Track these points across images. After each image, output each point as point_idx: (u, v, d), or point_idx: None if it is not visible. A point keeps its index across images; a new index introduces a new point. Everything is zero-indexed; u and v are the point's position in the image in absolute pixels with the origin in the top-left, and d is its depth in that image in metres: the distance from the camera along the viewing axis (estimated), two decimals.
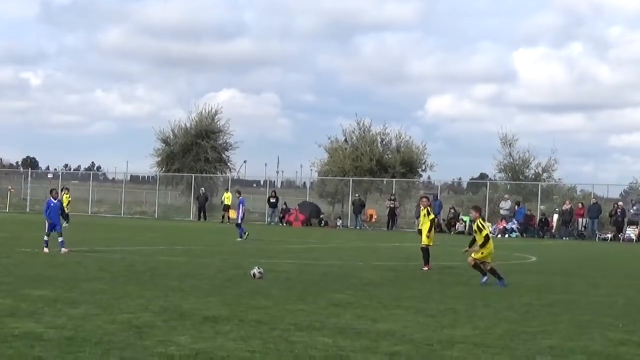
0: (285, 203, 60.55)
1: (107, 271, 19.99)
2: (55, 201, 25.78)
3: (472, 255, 19.87)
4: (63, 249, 24.97)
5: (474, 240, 20.17)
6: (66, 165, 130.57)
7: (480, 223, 20.05)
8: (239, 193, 39.30)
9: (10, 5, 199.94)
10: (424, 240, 23.49)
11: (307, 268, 21.30)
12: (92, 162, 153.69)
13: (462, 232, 51.84)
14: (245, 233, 35.47)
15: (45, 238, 25.45)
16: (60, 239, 25.31)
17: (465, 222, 52.70)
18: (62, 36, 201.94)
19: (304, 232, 44.69)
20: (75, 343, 10.42)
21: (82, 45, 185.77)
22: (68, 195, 46.31)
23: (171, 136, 68.18)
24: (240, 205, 36.80)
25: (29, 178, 72.15)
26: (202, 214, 60.94)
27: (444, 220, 53.87)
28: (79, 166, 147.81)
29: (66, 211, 44.26)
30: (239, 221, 36.38)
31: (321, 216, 58.78)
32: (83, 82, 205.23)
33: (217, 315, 13.14)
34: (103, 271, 19.97)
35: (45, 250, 24.94)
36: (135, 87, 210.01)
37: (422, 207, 24.76)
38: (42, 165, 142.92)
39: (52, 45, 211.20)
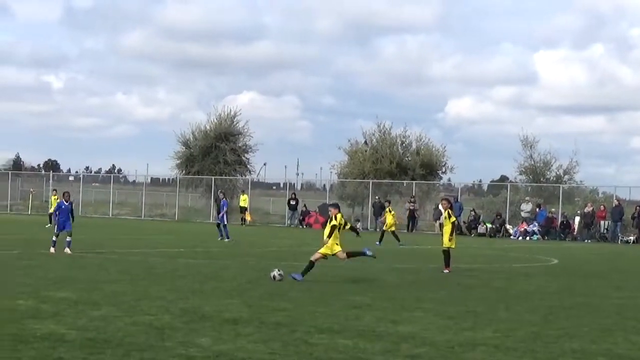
0: (305, 205, 60.54)
1: (127, 273, 20.05)
2: (67, 204, 26.10)
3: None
4: (67, 250, 25.15)
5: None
6: (87, 168, 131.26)
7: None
8: (223, 194, 40.24)
9: (33, 9, 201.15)
10: (445, 242, 23.42)
11: (327, 270, 21.27)
12: (113, 165, 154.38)
13: (483, 235, 51.68)
14: (223, 236, 36.59)
15: (54, 238, 25.71)
16: (68, 239, 25.53)
17: (486, 224, 52.55)
18: (83, 39, 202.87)
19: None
20: (97, 344, 10.44)
21: (103, 48, 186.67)
22: (57, 198, 46.57)
23: (191, 139, 68.26)
24: (223, 207, 37.71)
25: (51, 181, 72.41)
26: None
27: (464, 222, 53.71)
28: (100, 169, 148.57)
29: (51, 212, 44.74)
30: (224, 222, 37.26)
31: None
32: (104, 85, 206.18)
33: (238, 317, 13.15)
34: (124, 273, 20.03)
35: (52, 250, 25.16)
36: (155, 89, 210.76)
37: (442, 209, 24.70)
38: (64, 167, 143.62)
39: (73, 49, 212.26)
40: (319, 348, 10.84)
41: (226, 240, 35.95)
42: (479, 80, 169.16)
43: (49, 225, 42.57)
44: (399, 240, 37.21)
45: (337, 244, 19.88)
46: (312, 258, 19.94)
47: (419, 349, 11.00)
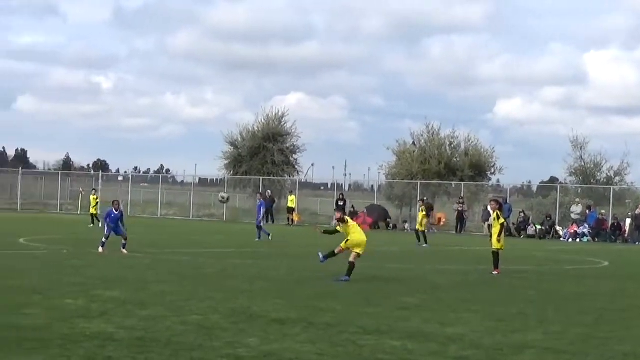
0: (352, 206, 60.40)
1: (176, 273, 20.14)
2: (117, 212, 26.13)
3: None
4: (123, 250, 25.38)
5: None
6: (136, 168, 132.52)
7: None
8: (260, 195, 40.26)
9: (83, 10, 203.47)
10: (494, 244, 23.24)
11: (374, 271, 21.22)
12: (162, 165, 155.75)
13: (532, 236, 51.23)
14: (268, 234, 36.64)
15: (103, 240, 25.86)
16: (123, 242, 25.68)
17: (536, 226, 52.09)
18: (132, 40, 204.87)
19: (371, 235, 44.49)
20: (145, 344, 10.49)
21: (152, 49, 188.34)
22: (96, 197, 46.96)
23: (239, 139, 68.48)
24: (261, 207, 37.65)
25: (100, 181, 73.08)
26: (269, 216, 61.13)
27: (513, 224, 53.27)
28: (149, 169, 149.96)
29: (92, 212, 45.12)
30: (260, 223, 37.27)
31: (388, 219, 58.56)
32: (153, 86, 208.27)
33: (286, 318, 13.14)
34: (172, 273, 20.12)
35: (100, 250, 25.37)
36: (204, 90, 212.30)
37: (491, 211, 24.51)
38: (113, 168, 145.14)
39: (123, 49, 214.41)
40: (366, 349, 10.80)
41: (266, 237, 35.98)
42: (528, 81, 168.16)
43: (92, 225, 42.96)
44: (419, 240, 36.84)
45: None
46: (351, 259, 20.09)
47: (467, 351, 10.91)
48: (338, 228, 20.47)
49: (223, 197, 27.70)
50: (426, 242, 36.24)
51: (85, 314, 12.87)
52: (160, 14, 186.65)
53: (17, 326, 11.42)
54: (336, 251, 20.08)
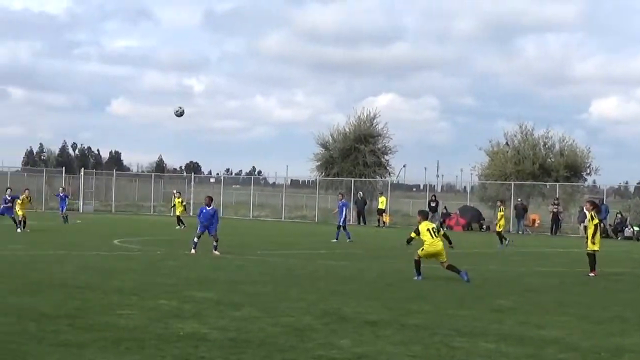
0: (445, 207, 60.00)
1: (267, 274, 20.23)
2: (209, 208, 26.33)
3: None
4: (216, 252, 25.51)
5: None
6: (228, 170, 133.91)
7: None
8: (342, 196, 39.92)
9: (175, 14, 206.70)
10: (590, 245, 22.80)
11: (468, 273, 20.93)
12: (253, 167, 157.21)
13: (630, 238, 50.16)
14: (348, 237, 36.30)
15: (195, 240, 26.07)
16: (214, 243, 25.86)
17: (633, 227, 50.98)
18: (223, 42, 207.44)
19: (464, 236, 44.09)
20: (238, 344, 10.53)
21: (242, 51, 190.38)
22: (181, 200, 47.47)
23: (330, 140, 68.60)
24: (344, 208, 37.27)
25: (192, 182, 74.00)
26: (361, 218, 61.07)
27: (610, 225, 52.25)
28: (240, 171, 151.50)
29: (177, 214, 45.65)
30: (342, 223, 36.96)
31: (481, 221, 57.97)
32: (243, 88, 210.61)
33: (378, 320, 13.07)
34: (264, 274, 20.22)
35: (192, 251, 25.58)
36: (294, 92, 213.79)
37: (587, 212, 24.06)
38: (205, 169, 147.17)
39: (214, 52, 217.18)
40: (460, 351, 10.66)
41: (344, 240, 35.65)
42: (623, 80, 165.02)
43: (178, 227, 43.51)
44: (501, 242, 36.35)
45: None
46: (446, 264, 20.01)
47: (564, 354, 10.69)
48: (413, 235, 20.45)
49: (177, 110, 27.90)
50: (501, 243, 35.90)
51: (179, 314, 12.99)
52: (251, 16, 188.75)
53: (114, 326, 11.59)
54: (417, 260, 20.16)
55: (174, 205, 47.37)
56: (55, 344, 10.13)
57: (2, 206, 37.64)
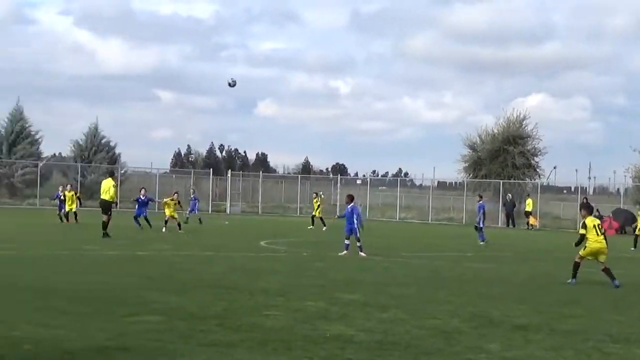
0: (597, 210, 58.41)
1: (413, 277, 20.08)
2: (348, 207, 26.43)
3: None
4: (361, 253, 25.46)
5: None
6: (374, 172, 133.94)
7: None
8: (480, 197, 38.88)
9: (322, 16, 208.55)
10: None
11: (622, 278, 20.21)
12: (399, 169, 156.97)
13: None
14: (484, 240, 35.17)
15: (346, 242, 26.11)
16: (358, 244, 25.84)
17: None
18: (370, 44, 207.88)
19: (618, 240, 42.81)
20: (384, 347, 10.43)
21: (389, 52, 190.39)
22: (317, 201, 47.42)
23: (478, 142, 67.90)
24: (481, 209, 36.27)
25: (338, 184, 74.43)
26: (510, 220, 60.16)
27: None
28: (387, 172, 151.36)
29: (317, 214, 45.78)
30: (480, 224, 35.85)
31: (634, 224, 56.16)
32: (390, 89, 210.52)
33: (528, 324, 12.75)
34: (409, 276, 20.07)
35: (344, 252, 25.62)
36: (442, 93, 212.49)
37: None
38: (351, 171, 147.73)
39: (360, 53, 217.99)
40: (613, 358, 10.28)
41: (480, 243, 34.82)
42: None
43: (311, 227, 43.99)
44: (634, 246, 35.26)
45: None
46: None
47: None
48: (582, 231, 19.66)
49: (231, 82, 27.93)
50: (634, 247, 34.95)
51: (326, 315, 12.98)
52: (397, 17, 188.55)
53: (261, 327, 11.66)
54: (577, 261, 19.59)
55: (319, 205, 47.56)
56: (205, 343, 10.24)
57: (138, 207, 38.16)
